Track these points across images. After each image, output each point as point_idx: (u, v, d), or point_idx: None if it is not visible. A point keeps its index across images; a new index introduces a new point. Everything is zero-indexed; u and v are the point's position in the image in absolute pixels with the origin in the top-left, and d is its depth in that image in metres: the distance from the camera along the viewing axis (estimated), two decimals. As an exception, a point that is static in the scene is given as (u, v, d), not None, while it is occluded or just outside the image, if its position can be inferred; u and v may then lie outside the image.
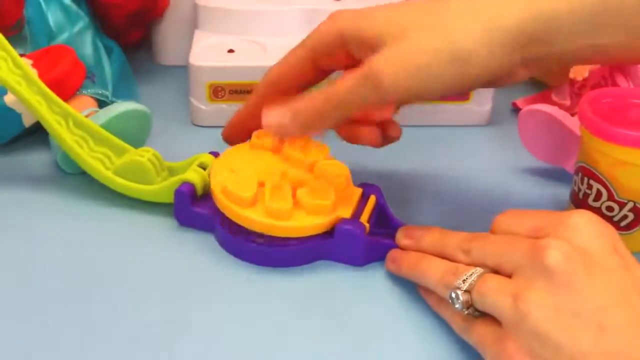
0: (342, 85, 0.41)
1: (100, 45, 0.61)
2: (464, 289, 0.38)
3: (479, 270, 0.38)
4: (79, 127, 0.51)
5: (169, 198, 0.48)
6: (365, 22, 0.42)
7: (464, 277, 0.38)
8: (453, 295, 0.38)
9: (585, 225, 0.37)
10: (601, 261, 0.36)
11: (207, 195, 0.49)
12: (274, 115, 0.44)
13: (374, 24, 0.42)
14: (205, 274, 0.45)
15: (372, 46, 0.41)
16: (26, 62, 0.55)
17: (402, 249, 0.45)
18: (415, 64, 0.39)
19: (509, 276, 0.37)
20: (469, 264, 0.40)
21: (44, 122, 0.50)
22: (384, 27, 0.41)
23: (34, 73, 0.51)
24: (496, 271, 0.38)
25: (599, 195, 0.47)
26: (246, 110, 0.49)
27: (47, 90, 0.50)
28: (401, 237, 0.45)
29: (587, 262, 0.35)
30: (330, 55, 0.44)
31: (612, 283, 0.35)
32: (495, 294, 0.37)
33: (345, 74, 0.42)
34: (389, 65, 0.40)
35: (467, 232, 0.41)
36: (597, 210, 0.47)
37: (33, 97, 0.50)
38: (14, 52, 0.50)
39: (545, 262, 0.35)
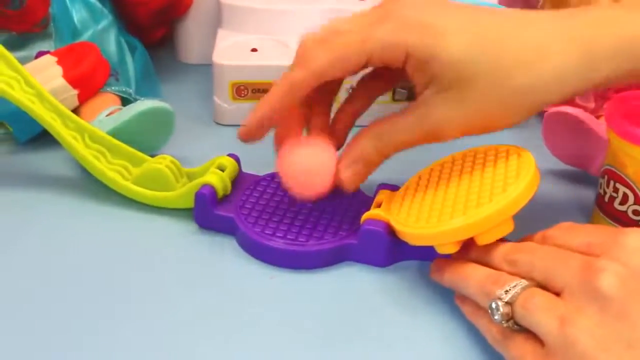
0: (400, 125, 0.42)
1: (123, 43, 0.62)
2: (506, 300, 0.36)
3: (524, 282, 0.37)
4: (95, 141, 0.51)
5: (190, 203, 0.48)
6: (435, 49, 0.40)
7: (507, 288, 0.37)
8: (493, 305, 0.37)
9: None
10: None
11: (227, 197, 0.49)
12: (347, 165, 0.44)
13: (444, 59, 0.40)
14: (226, 276, 0.45)
15: (432, 77, 0.41)
16: (51, 59, 0.56)
17: None
18: (479, 123, 0.41)
19: (557, 293, 0.36)
20: (513, 275, 0.38)
21: (60, 139, 0.50)
22: (454, 68, 0.40)
23: (61, 80, 0.53)
24: (543, 286, 0.37)
25: (625, 198, 0.46)
26: (275, 107, 0.44)
27: (61, 106, 0.51)
28: None
29: None
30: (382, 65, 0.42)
31: None
32: (542, 313, 0.35)
33: (400, 113, 0.42)
34: (451, 126, 0.41)
35: (514, 242, 0.40)
36: (623, 214, 0.46)
37: (47, 114, 0.50)
38: (26, 72, 0.51)
39: (598, 286, 0.34)
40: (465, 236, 0.41)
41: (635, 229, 0.37)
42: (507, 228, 0.41)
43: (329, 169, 0.46)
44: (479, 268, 0.40)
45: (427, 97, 0.41)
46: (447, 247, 0.41)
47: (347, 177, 0.44)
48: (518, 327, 0.37)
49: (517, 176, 0.41)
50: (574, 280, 0.35)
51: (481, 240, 0.41)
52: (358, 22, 0.42)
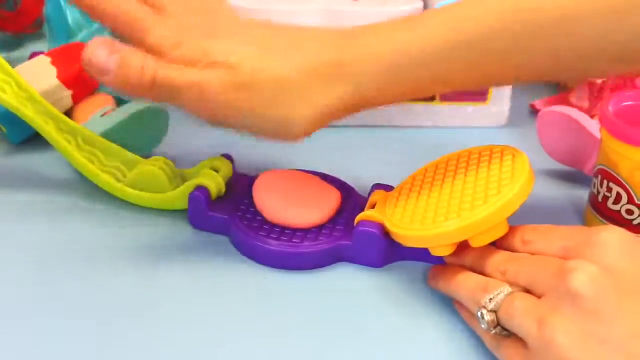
0: (181, 79, 0.39)
1: (118, 43, 0.62)
2: (490, 308, 0.37)
3: (507, 289, 0.37)
4: (88, 143, 0.51)
5: (184, 204, 0.48)
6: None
7: (491, 296, 0.37)
8: (479, 314, 0.37)
9: (614, 243, 0.36)
10: (631, 282, 0.34)
11: (221, 198, 0.49)
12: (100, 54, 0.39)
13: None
14: (221, 276, 0.45)
15: None
16: (45, 60, 0.56)
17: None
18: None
19: (540, 297, 0.36)
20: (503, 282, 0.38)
21: (53, 142, 0.50)
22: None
23: (55, 81, 0.52)
24: (528, 292, 0.37)
25: (618, 198, 0.46)
26: None
27: (54, 109, 0.51)
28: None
29: (616, 284, 0.34)
30: None
31: None
32: (522, 317, 0.36)
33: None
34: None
35: (506, 252, 0.41)
36: (616, 214, 0.47)
37: (40, 118, 0.50)
38: (18, 75, 0.51)
39: (570, 285, 0.34)
40: (460, 239, 0.41)
41: (608, 226, 0.37)
42: (502, 230, 0.41)
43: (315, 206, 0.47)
44: (470, 276, 0.41)
45: None
46: (442, 250, 0.41)
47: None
48: (507, 333, 0.37)
49: (511, 178, 0.41)
50: (551, 283, 0.36)
51: (475, 243, 0.41)
52: None
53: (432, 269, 0.44)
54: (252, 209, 0.48)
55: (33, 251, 0.46)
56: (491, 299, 0.37)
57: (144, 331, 0.40)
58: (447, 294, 0.42)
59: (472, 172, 0.44)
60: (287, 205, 0.47)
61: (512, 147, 0.45)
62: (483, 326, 0.37)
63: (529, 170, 0.42)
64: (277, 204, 0.47)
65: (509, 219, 0.41)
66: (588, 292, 0.34)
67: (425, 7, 0.68)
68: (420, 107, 0.61)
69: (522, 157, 0.43)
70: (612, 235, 0.36)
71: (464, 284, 0.40)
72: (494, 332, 0.37)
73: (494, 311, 0.37)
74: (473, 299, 0.39)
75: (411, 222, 0.42)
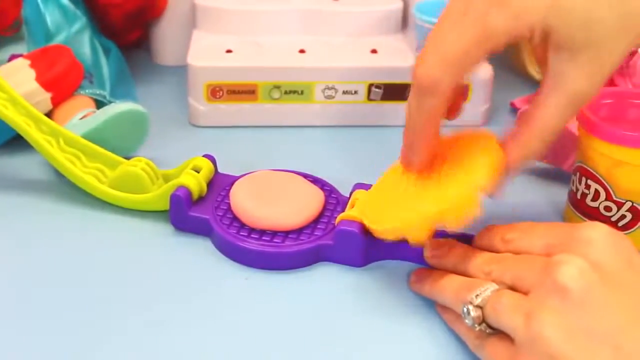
0: (548, 114, 0.40)
1: (98, 45, 0.61)
2: (476, 303, 0.37)
3: (494, 285, 0.37)
4: (69, 145, 0.51)
5: (166, 205, 0.48)
6: (560, 20, 0.38)
7: (478, 292, 0.37)
8: (465, 309, 0.37)
9: (599, 239, 0.36)
10: (617, 277, 0.35)
11: (202, 198, 0.49)
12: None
13: (570, 25, 0.38)
14: (202, 277, 0.45)
15: (562, 50, 0.39)
16: (24, 62, 0.56)
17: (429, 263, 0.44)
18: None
19: (526, 294, 0.36)
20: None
21: (34, 143, 0.50)
22: (580, 31, 0.38)
23: (34, 83, 0.52)
24: (513, 290, 0.37)
25: (597, 195, 0.47)
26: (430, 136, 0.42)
27: (35, 111, 0.51)
28: (428, 255, 0.44)
29: (603, 278, 0.34)
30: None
31: (629, 301, 0.34)
32: (509, 312, 0.36)
33: (541, 98, 0.40)
34: (588, 83, 0.39)
35: (489, 253, 0.41)
36: (595, 210, 0.47)
37: (21, 119, 0.50)
38: None
39: (558, 278, 0.34)
40: (434, 221, 0.41)
41: (589, 222, 0.38)
42: (474, 210, 0.40)
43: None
44: (454, 277, 0.41)
45: (558, 68, 0.39)
46: (417, 234, 0.41)
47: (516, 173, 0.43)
48: (492, 330, 0.37)
49: (479, 155, 0.42)
50: (537, 278, 0.36)
51: (450, 224, 0.40)
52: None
53: (413, 274, 0.44)
54: (233, 209, 0.48)
55: (14, 253, 0.46)
56: (477, 295, 0.37)
57: (124, 331, 0.40)
58: (431, 297, 0.42)
59: (440, 159, 0.44)
60: (267, 211, 0.46)
61: (479, 130, 0.45)
62: (468, 322, 0.37)
63: (496, 149, 0.42)
64: (256, 212, 0.46)
65: (490, 217, 0.41)
66: (575, 285, 0.34)
67: (405, 7, 0.69)
68: (400, 105, 0.61)
69: (489, 137, 0.43)
70: (596, 232, 0.36)
71: (448, 286, 0.40)
72: (478, 328, 0.37)
73: (480, 307, 0.37)
74: (458, 298, 0.39)
75: (387, 216, 0.43)
